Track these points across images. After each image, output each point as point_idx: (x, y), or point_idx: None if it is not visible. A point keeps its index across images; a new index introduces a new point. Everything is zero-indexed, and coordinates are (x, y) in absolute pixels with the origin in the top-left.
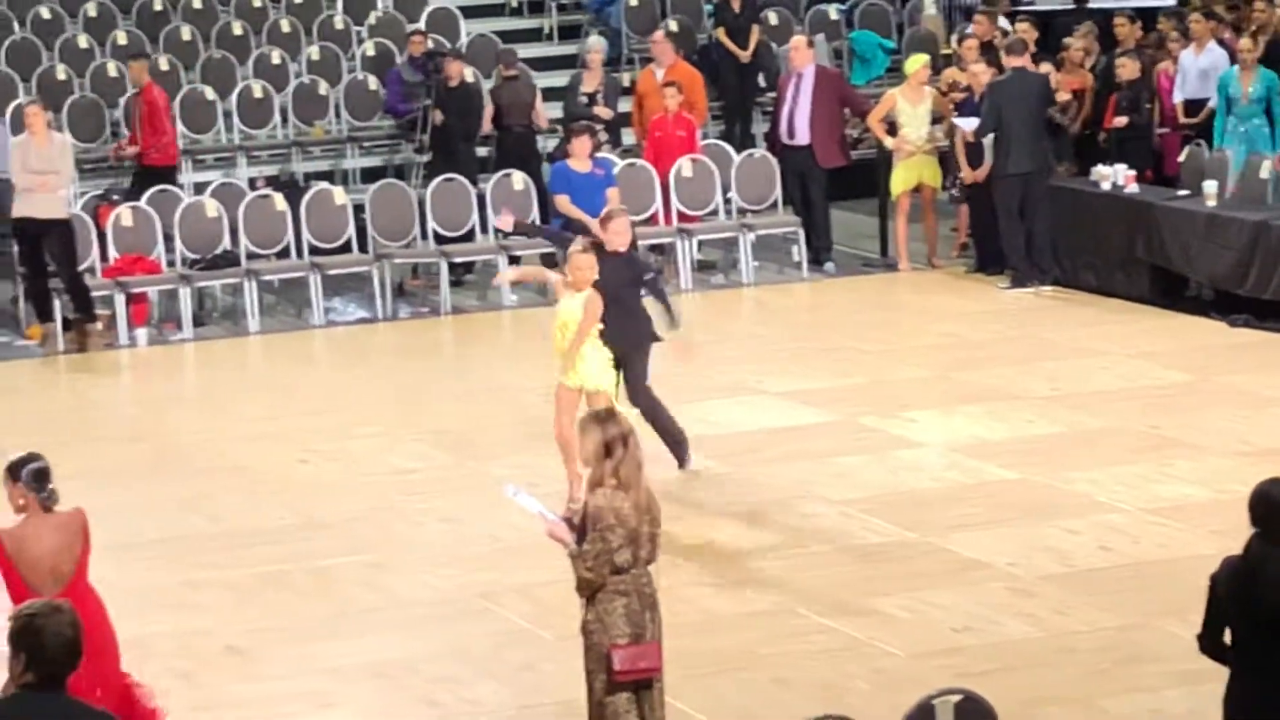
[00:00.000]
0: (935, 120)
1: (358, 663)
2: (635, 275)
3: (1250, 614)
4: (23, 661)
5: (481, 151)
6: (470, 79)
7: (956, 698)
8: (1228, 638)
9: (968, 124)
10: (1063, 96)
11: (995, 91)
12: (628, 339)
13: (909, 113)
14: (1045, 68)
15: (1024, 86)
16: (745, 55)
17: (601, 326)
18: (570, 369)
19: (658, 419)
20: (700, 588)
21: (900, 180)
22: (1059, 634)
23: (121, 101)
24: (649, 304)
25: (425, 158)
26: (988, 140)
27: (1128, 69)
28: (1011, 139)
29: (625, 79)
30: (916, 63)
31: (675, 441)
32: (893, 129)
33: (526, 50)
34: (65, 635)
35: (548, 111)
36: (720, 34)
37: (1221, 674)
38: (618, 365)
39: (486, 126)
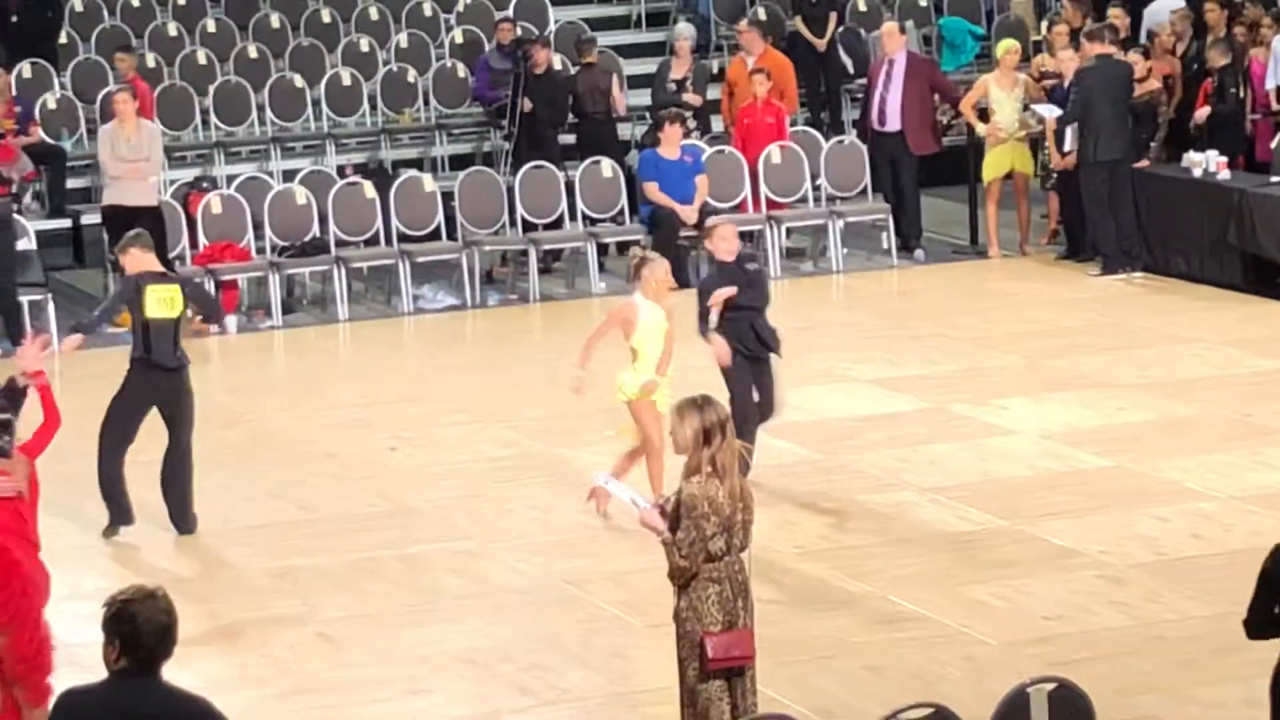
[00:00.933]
0: (1027, 107)
1: (448, 649)
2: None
3: None
4: (117, 648)
5: (570, 139)
6: (558, 66)
7: (1050, 686)
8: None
9: (1049, 111)
10: (1151, 85)
11: (1081, 78)
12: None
13: (1000, 99)
14: (1134, 55)
15: (1109, 73)
16: (821, 44)
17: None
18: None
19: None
20: (793, 575)
21: (992, 166)
22: (1151, 622)
23: (212, 89)
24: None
25: (512, 145)
26: (1072, 128)
27: (1216, 55)
28: (1097, 126)
29: (714, 66)
30: (1006, 48)
31: None
32: (984, 115)
33: (614, 37)
34: (159, 621)
35: (635, 99)
36: (798, 22)
37: None
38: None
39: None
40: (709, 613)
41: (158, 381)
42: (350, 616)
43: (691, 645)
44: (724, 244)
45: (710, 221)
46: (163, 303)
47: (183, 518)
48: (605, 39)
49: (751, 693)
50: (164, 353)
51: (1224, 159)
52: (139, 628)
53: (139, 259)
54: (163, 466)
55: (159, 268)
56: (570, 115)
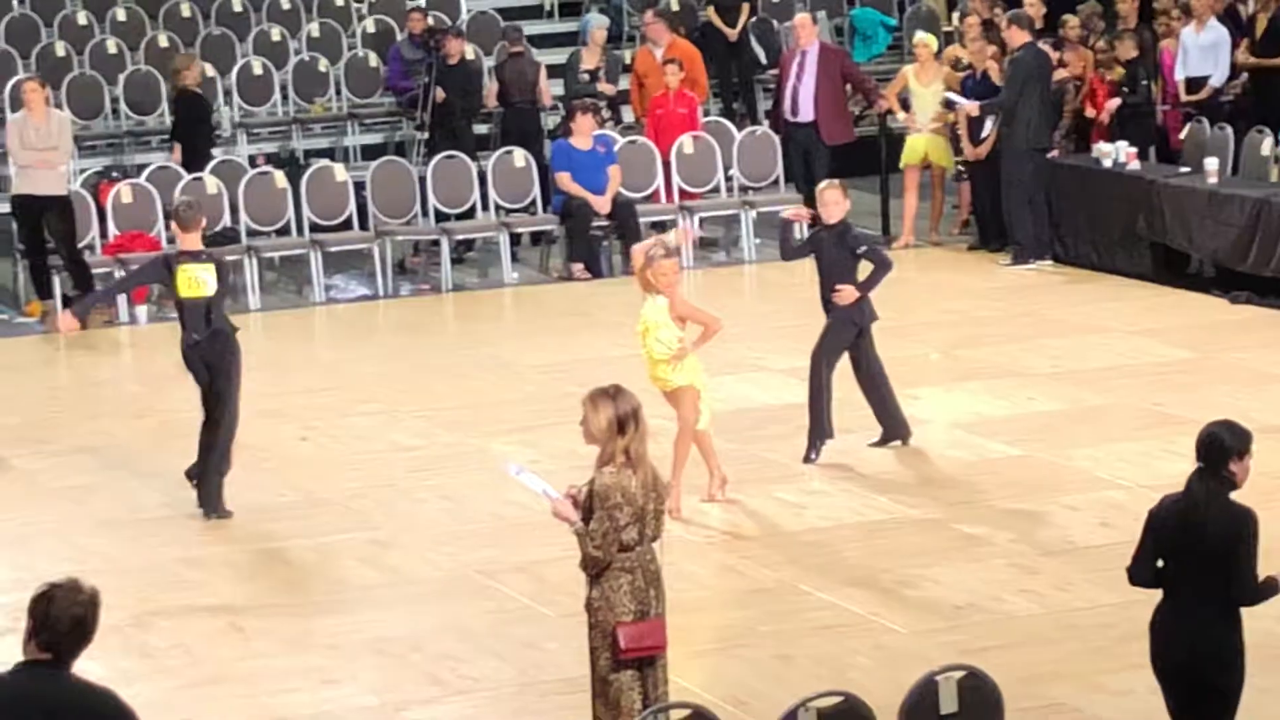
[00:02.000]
0: (947, 102)
1: (359, 640)
2: (850, 248)
3: (1190, 548)
4: (29, 629)
5: (483, 129)
6: (470, 56)
7: (959, 674)
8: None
9: (966, 102)
10: (1060, 74)
11: (1016, 66)
12: (832, 311)
13: (919, 91)
14: (1044, 45)
15: (1036, 62)
16: (733, 34)
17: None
18: (676, 369)
19: (811, 399)
20: (704, 564)
21: (908, 153)
22: (1061, 610)
23: (122, 78)
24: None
25: (425, 135)
26: (992, 117)
27: (1126, 47)
28: (1026, 115)
29: (626, 56)
30: (922, 41)
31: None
32: (905, 105)
33: (527, 27)
34: (74, 612)
35: (549, 89)
36: (710, 12)
37: None
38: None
39: (491, 103)
40: (621, 602)
41: (193, 356)
42: (260, 606)
43: (604, 635)
44: (832, 207)
45: (823, 184)
46: (191, 282)
47: (204, 501)
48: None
49: (663, 682)
50: (196, 328)
51: (1134, 150)
52: (51, 614)
53: (179, 236)
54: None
55: (197, 245)
56: (496, 104)
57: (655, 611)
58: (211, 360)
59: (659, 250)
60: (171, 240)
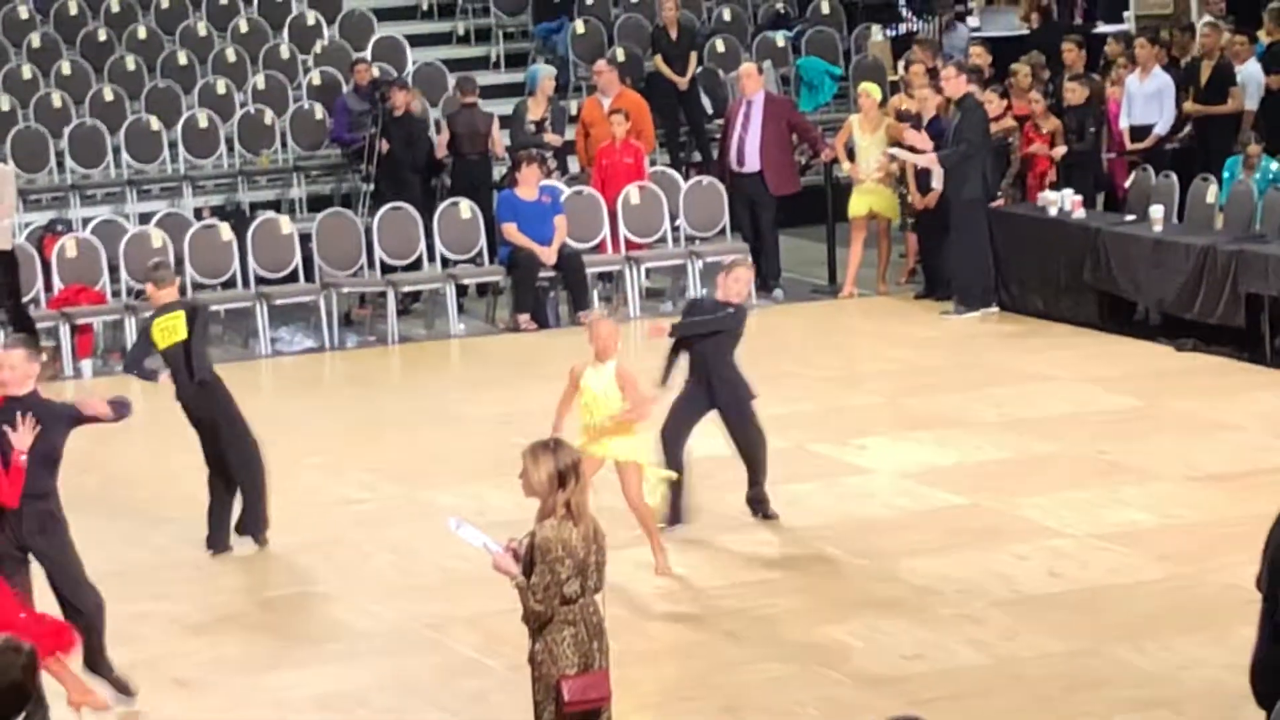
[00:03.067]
0: (893, 152)
1: (304, 695)
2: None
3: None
4: None
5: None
6: (417, 108)
7: None
8: None
9: (920, 158)
10: (1005, 123)
11: (967, 116)
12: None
13: (862, 142)
14: (989, 94)
15: (981, 112)
16: (683, 82)
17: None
18: (602, 441)
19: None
20: (649, 617)
21: (854, 204)
22: (1008, 660)
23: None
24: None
25: (371, 187)
26: (936, 167)
27: (1075, 94)
28: (974, 165)
29: (572, 107)
30: (865, 91)
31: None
32: (852, 155)
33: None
34: (12, 677)
35: (500, 139)
36: (658, 61)
37: (1170, 700)
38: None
39: (441, 154)
40: (564, 655)
41: (185, 408)
42: (206, 661)
43: (547, 688)
44: (735, 284)
45: (730, 261)
46: (165, 332)
47: (248, 527)
48: None
49: None
50: (180, 381)
51: (1079, 198)
52: None
53: (153, 295)
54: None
55: (174, 298)
56: (448, 154)
57: (599, 664)
58: (201, 416)
59: (595, 314)
60: (117, 293)
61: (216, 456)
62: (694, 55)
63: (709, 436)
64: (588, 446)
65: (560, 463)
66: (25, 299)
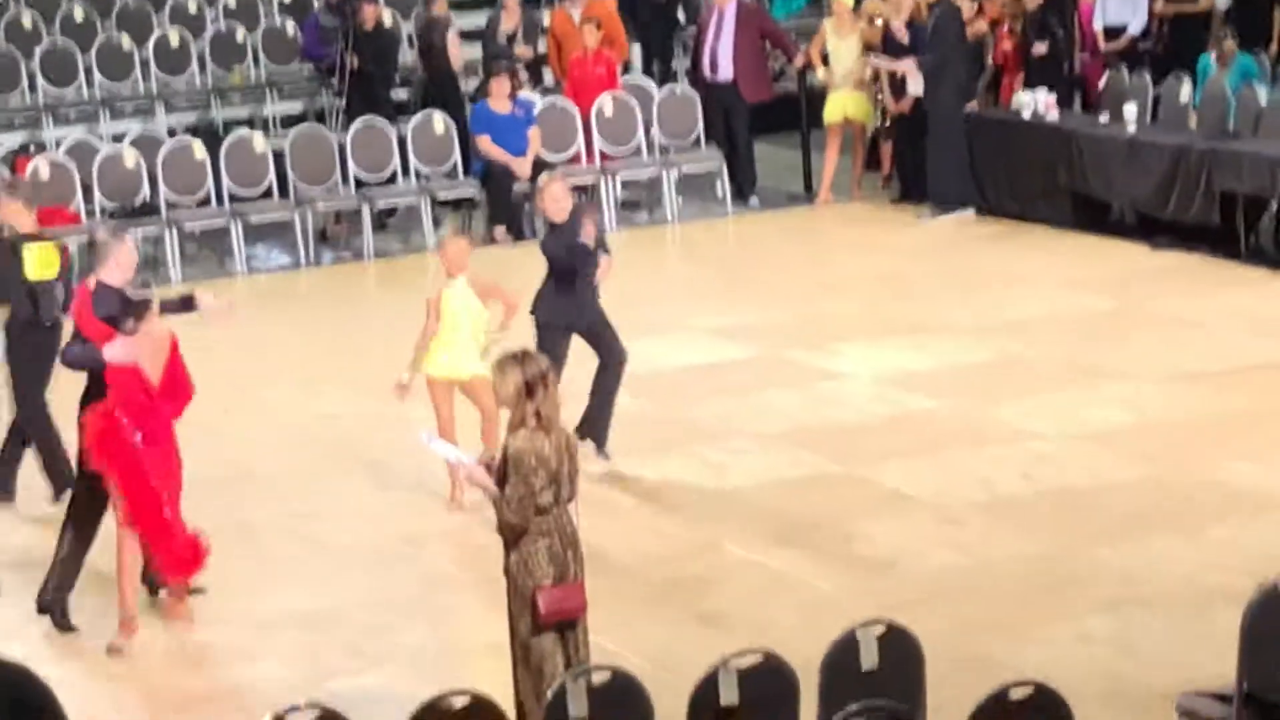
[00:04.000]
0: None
1: (282, 612)
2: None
3: None
4: None
5: (403, 94)
6: (388, 23)
7: (879, 629)
8: None
9: (897, 64)
10: (979, 26)
11: (939, 21)
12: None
13: (837, 47)
14: None
15: (955, 16)
16: None
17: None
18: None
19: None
20: (627, 525)
21: (829, 110)
22: (985, 563)
23: (38, 51)
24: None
25: (343, 103)
26: (916, 74)
27: None
28: (949, 70)
29: (545, 18)
30: None
31: None
32: (826, 60)
33: None
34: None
35: (467, 52)
36: None
37: (1144, 599)
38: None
39: (417, 68)
40: (539, 566)
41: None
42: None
43: (523, 600)
44: (555, 204)
45: (541, 180)
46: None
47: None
48: None
49: (584, 645)
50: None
51: (1053, 98)
52: None
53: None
54: None
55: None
56: (421, 69)
57: (574, 574)
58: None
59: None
60: (91, 214)
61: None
62: None
63: (683, 346)
64: (436, 373)
65: (528, 373)
66: None
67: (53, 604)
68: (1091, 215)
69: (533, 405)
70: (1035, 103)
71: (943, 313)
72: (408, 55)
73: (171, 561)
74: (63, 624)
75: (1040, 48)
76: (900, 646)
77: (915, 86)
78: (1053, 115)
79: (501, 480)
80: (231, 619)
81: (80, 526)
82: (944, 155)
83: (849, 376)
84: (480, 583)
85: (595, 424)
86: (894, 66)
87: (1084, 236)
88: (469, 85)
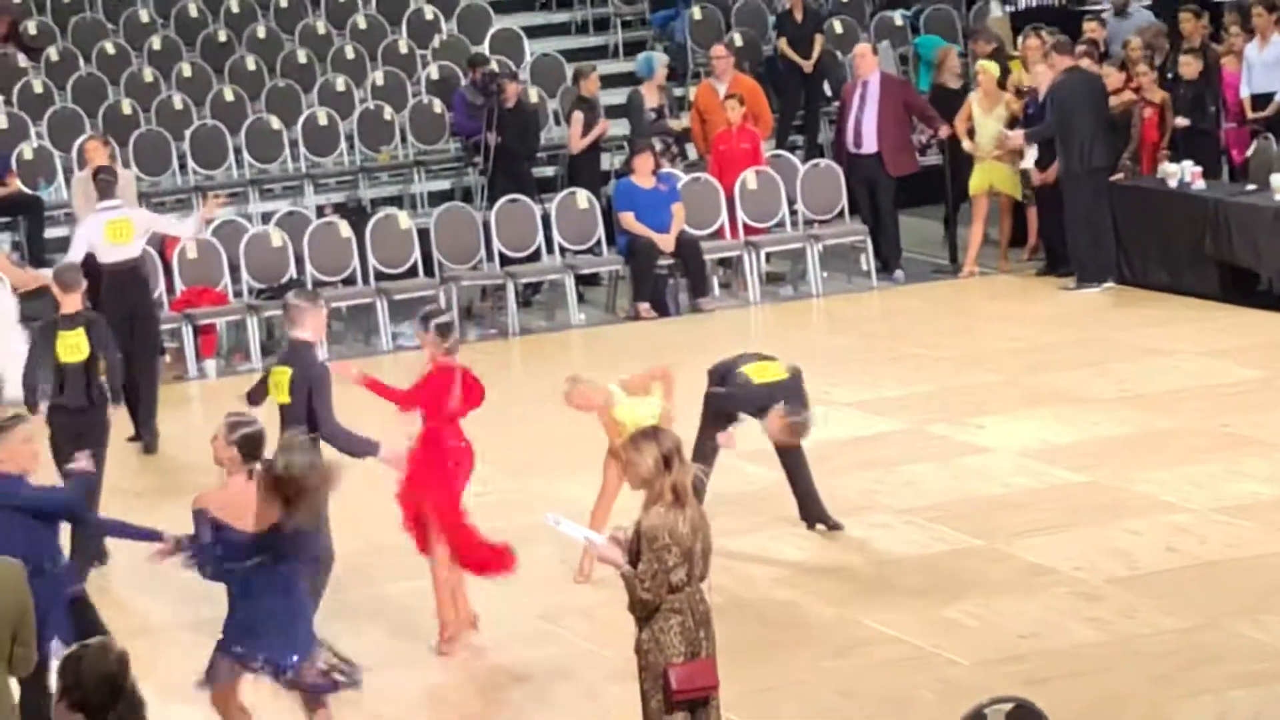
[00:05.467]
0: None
1: (416, 689)
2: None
3: None
4: (59, 689)
5: (550, 171)
6: (534, 99)
7: (1008, 706)
8: None
9: (1011, 134)
10: (1126, 96)
11: (1055, 92)
12: None
13: (981, 119)
14: (1106, 68)
15: (1083, 86)
16: (808, 65)
17: None
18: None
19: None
20: (765, 600)
21: (975, 182)
22: (1125, 638)
23: (188, 134)
24: None
25: (487, 179)
26: (1032, 145)
27: (1190, 67)
28: (1079, 139)
29: (687, 93)
30: (983, 69)
31: None
32: (970, 134)
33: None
34: (104, 670)
35: (613, 128)
36: (783, 44)
37: None
38: None
39: (579, 146)
40: (671, 644)
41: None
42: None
43: (655, 677)
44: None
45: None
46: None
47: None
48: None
49: None
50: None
51: (1199, 169)
52: (83, 670)
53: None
54: None
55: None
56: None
57: (706, 652)
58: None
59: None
60: (239, 294)
61: None
62: (819, 38)
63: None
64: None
65: (664, 446)
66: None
67: None
68: (1239, 285)
69: (670, 478)
70: (1181, 172)
71: (1086, 384)
72: (554, 132)
73: (480, 561)
74: None
75: (1183, 121)
76: None
77: (1027, 158)
78: (1198, 185)
79: (634, 557)
80: (363, 695)
81: None
82: (1079, 226)
83: (991, 450)
84: (618, 660)
85: (809, 505)
86: (1008, 137)
87: (1230, 307)
88: (613, 161)
